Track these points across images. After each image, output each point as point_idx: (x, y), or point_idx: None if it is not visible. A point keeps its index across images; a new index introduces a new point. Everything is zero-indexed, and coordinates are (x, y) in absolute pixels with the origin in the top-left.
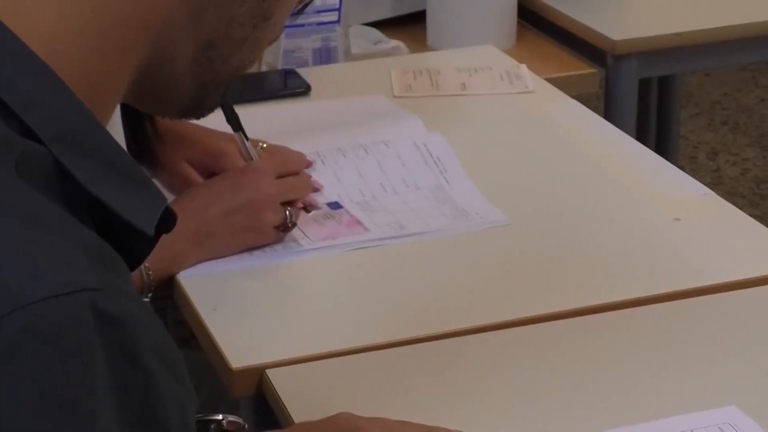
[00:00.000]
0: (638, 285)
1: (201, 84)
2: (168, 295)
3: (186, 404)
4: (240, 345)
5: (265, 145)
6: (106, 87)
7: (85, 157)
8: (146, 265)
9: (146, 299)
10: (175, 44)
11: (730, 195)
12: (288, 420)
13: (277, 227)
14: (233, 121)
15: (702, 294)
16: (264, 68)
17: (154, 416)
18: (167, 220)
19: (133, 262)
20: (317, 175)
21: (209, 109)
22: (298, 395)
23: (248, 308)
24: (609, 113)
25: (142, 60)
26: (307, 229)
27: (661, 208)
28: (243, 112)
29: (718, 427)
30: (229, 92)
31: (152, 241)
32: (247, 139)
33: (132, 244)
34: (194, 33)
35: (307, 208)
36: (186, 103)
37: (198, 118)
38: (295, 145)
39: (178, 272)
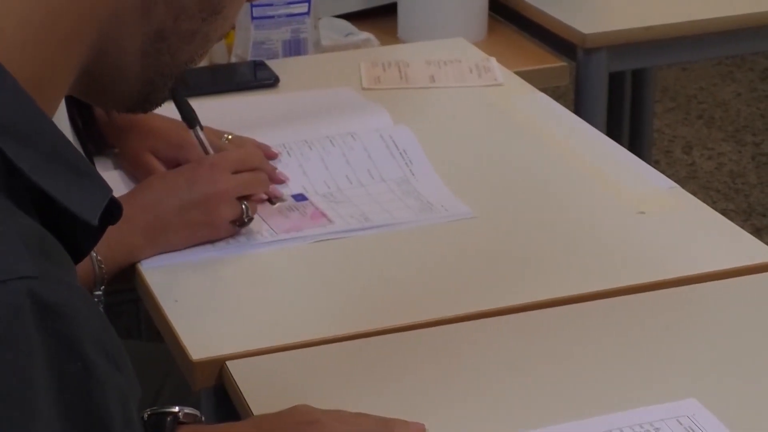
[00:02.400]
0: (600, 278)
1: (149, 77)
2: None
3: (128, 395)
4: (201, 336)
5: (230, 137)
6: (51, 78)
7: (29, 147)
8: (98, 258)
9: (98, 292)
10: (123, 35)
11: (705, 189)
12: (247, 412)
13: (232, 222)
14: (187, 114)
15: (664, 287)
16: (233, 60)
17: (93, 405)
18: (113, 212)
19: (79, 254)
20: (283, 166)
21: (157, 103)
22: (259, 387)
23: (210, 300)
24: (579, 107)
25: (89, 51)
26: (272, 220)
27: (626, 201)
28: (211, 103)
29: (677, 420)
30: (182, 86)
31: (97, 233)
32: (202, 130)
33: (77, 236)
34: (143, 24)
35: (272, 199)
36: (133, 96)
37: (145, 111)
38: (261, 137)
39: (130, 264)
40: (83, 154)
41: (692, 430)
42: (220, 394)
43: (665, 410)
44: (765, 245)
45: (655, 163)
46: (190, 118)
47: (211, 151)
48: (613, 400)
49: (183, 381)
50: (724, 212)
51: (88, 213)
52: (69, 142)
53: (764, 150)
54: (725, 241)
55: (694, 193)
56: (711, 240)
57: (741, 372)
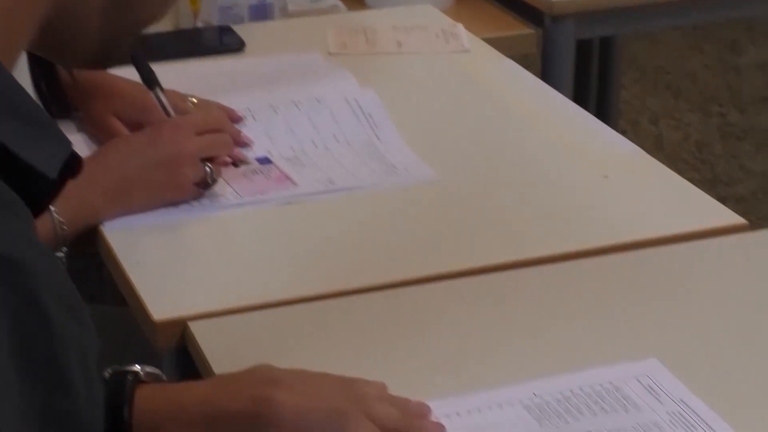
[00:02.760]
0: (564, 240)
1: (109, 35)
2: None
3: (87, 348)
4: (163, 297)
5: (195, 101)
6: (9, 32)
7: None
8: (60, 218)
9: (61, 254)
10: None
11: (672, 159)
12: (209, 372)
13: (197, 184)
14: (146, 75)
15: (628, 249)
16: (199, 24)
17: (51, 357)
18: (73, 166)
19: (38, 209)
20: (248, 130)
21: (118, 62)
22: (221, 348)
23: (173, 261)
24: (546, 74)
25: (49, 4)
26: (236, 183)
27: (591, 165)
28: (177, 67)
29: (638, 379)
30: (142, 47)
31: (56, 186)
32: (162, 91)
33: (35, 190)
34: None
35: (236, 162)
36: (93, 53)
37: (105, 68)
38: (227, 101)
39: (92, 226)
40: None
41: (652, 389)
42: (182, 355)
43: (626, 370)
44: (726, 208)
45: (622, 133)
46: (149, 79)
47: (172, 112)
48: (575, 359)
49: (147, 345)
50: (690, 182)
51: (47, 165)
52: (28, 94)
53: (730, 121)
54: (688, 204)
55: None
56: (674, 203)
57: (701, 333)
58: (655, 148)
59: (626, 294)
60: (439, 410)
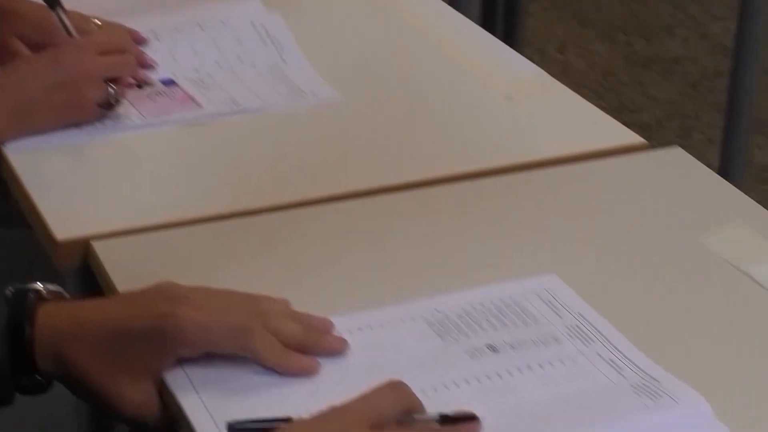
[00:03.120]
0: (468, 160)
1: None
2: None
3: None
4: (66, 217)
5: (98, 22)
6: None
7: None
8: None
9: None
10: None
11: (578, 87)
12: (113, 291)
13: (100, 105)
14: None
15: (529, 168)
16: None
17: None
18: None
19: None
20: (152, 51)
21: None
22: (123, 267)
23: (76, 182)
24: (454, 1)
25: None
26: (140, 104)
27: (494, 87)
28: None
29: (537, 294)
30: None
31: None
32: (64, 11)
33: None
34: None
35: (140, 84)
36: None
37: None
38: (130, 23)
39: None
40: None
41: (551, 303)
42: (86, 274)
43: (526, 285)
44: (627, 129)
45: (515, 51)
46: (51, 0)
47: (74, 32)
48: (477, 276)
49: (52, 267)
50: None
51: None
52: None
53: (636, 49)
54: (589, 125)
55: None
56: (576, 124)
57: (600, 249)
58: (562, 75)
59: (527, 212)
60: (342, 326)
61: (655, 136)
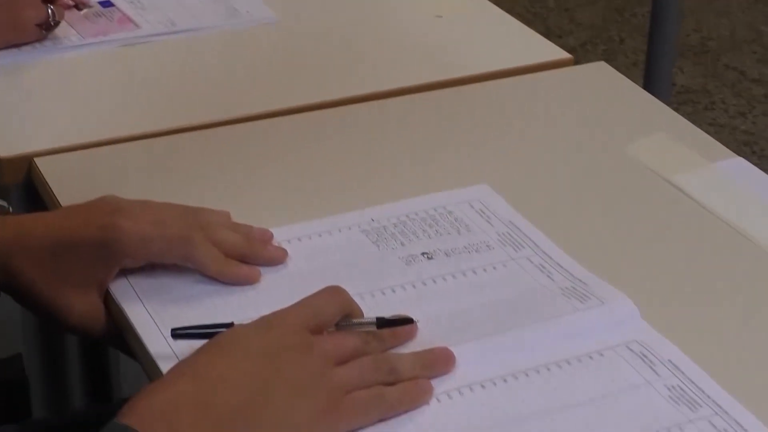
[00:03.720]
0: (401, 76)
1: None
2: None
3: None
4: (8, 135)
5: None
6: None
7: None
8: None
9: None
10: None
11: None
12: (56, 206)
13: (39, 25)
14: None
15: (460, 84)
16: None
17: None
18: None
19: None
20: None
21: None
22: (67, 182)
23: (17, 101)
24: None
25: None
26: (78, 25)
27: (425, 5)
28: None
29: (469, 204)
30: None
31: None
32: None
33: None
34: None
35: (78, 5)
36: None
37: None
38: None
39: None
40: None
41: (483, 212)
42: (29, 191)
43: (458, 195)
44: (554, 44)
45: None
46: None
47: None
48: (411, 187)
49: None
50: None
51: None
52: None
53: None
54: (518, 42)
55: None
56: (505, 41)
57: (528, 159)
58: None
59: (459, 126)
60: (281, 236)
61: (581, 60)
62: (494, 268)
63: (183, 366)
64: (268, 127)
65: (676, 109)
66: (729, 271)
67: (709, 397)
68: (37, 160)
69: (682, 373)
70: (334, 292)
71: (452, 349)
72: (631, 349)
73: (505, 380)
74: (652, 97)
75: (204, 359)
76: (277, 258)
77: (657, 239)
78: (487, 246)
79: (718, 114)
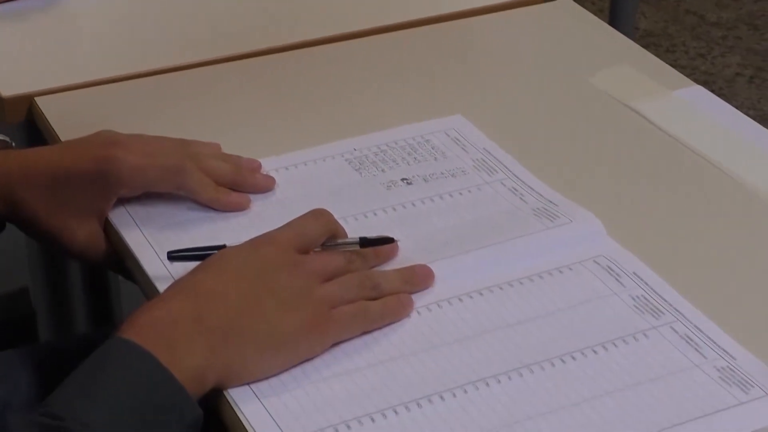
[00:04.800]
0: (381, 15)
1: None
2: None
3: None
4: (10, 76)
5: None
6: None
7: None
8: None
9: None
10: None
11: None
12: (56, 142)
13: None
14: None
15: (436, 22)
16: None
17: None
18: None
19: None
20: None
21: None
22: (67, 120)
23: (19, 44)
24: None
25: None
26: None
27: None
28: None
29: (445, 132)
30: None
31: None
32: None
33: None
34: None
35: None
36: None
37: None
38: None
39: None
40: None
41: (458, 140)
42: (31, 129)
43: (435, 125)
44: None
45: None
46: None
47: None
48: (391, 119)
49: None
50: None
51: None
52: None
53: None
54: None
55: None
56: None
57: (500, 91)
58: None
59: (434, 62)
60: (269, 165)
61: None
62: (469, 191)
63: (178, 285)
64: (257, 65)
65: None
66: (687, 189)
67: (670, 305)
68: (38, 100)
69: (646, 283)
70: (319, 214)
71: (431, 266)
72: (597, 263)
73: (480, 293)
74: (616, 32)
75: (198, 278)
76: (265, 185)
77: (621, 162)
78: (463, 171)
79: (679, 56)
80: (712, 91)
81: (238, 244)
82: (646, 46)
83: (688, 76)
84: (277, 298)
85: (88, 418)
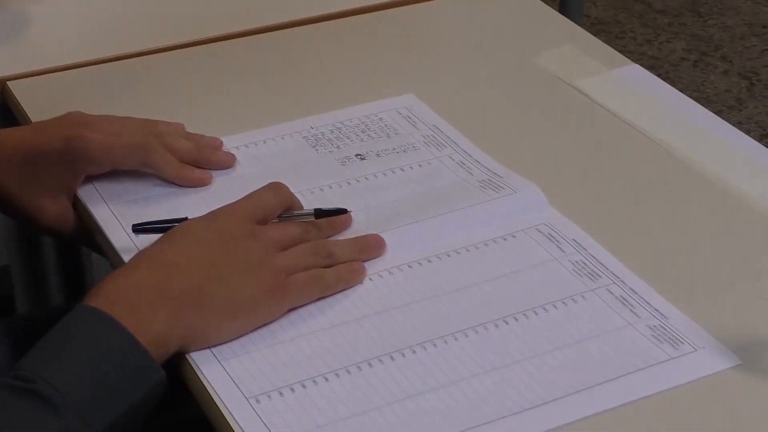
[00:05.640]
0: (334, 1)
1: None
2: None
3: None
4: None
5: None
6: None
7: None
8: None
9: None
10: None
11: None
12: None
13: None
14: None
15: (389, 8)
16: None
17: None
18: None
19: None
20: None
21: None
22: (39, 104)
23: None
24: None
25: None
26: None
27: None
28: None
29: (397, 111)
30: None
31: None
32: None
33: None
34: None
35: None
36: None
37: None
38: None
39: None
40: None
41: (409, 118)
42: (4, 112)
43: (387, 104)
44: None
45: None
46: None
47: None
48: (346, 99)
49: None
50: None
51: None
52: None
53: None
54: None
55: None
56: None
57: (449, 71)
58: None
59: (388, 45)
60: (230, 143)
61: None
62: (420, 165)
63: (142, 255)
64: (218, 50)
65: None
66: (625, 162)
67: (607, 269)
68: (10, 84)
69: (585, 249)
70: (276, 187)
71: (383, 235)
72: (539, 231)
73: (429, 261)
74: (560, 15)
75: (160, 248)
76: (226, 162)
77: (563, 136)
78: (414, 147)
79: (628, 42)
80: (659, 74)
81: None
82: (596, 33)
83: (636, 60)
84: (236, 265)
85: (57, 380)
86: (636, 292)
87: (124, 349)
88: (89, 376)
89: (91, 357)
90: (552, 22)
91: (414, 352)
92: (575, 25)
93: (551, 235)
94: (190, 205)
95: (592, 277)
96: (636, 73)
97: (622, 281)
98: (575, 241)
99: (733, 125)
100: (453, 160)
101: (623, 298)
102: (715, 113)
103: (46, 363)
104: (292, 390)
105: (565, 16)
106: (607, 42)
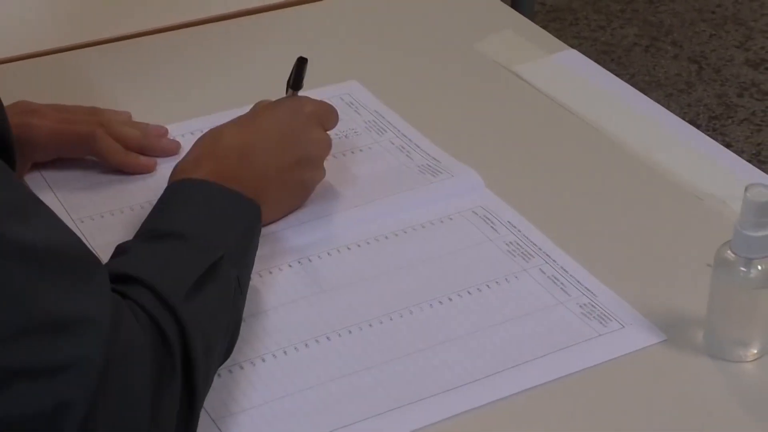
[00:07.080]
0: None
1: None
2: None
3: None
4: None
5: None
6: None
7: None
8: None
9: None
10: None
11: None
12: None
13: None
14: None
15: (313, 2)
16: None
17: None
18: None
19: None
20: None
21: None
22: None
23: None
24: None
25: None
26: None
27: None
28: None
29: (340, 97)
30: None
31: None
32: None
33: None
34: None
35: None
36: None
37: None
38: None
39: None
40: None
41: (351, 103)
42: None
43: (331, 90)
44: None
45: None
46: None
47: None
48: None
49: None
50: None
51: None
52: None
53: None
54: None
55: None
56: None
57: (391, 58)
58: None
59: (332, 32)
60: (176, 131)
61: None
62: (360, 150)
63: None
64: (162, 41)
65: (546, 27)
66: (561, 145)
67: (540, 249)
68: None
69: (519, 231)
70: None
71: (326, 218)
72: (476, 213)
73: (368, 242)
74: (501, 3)
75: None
76: (171, 149)
77: (500, 121)
78: (355, 132)
79: (582, 28)
80: (612, 59)
81: (145, 204)
82: (552, 21)
83: (589, 46)
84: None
85: (182, 228)
86: (567, 271)
87: (219, 195)
88: (203, 222)
89: (198, 207)
90: (495, 9)
91: (350, 332)
92: (512, 10)
93: (486, 218)
94: (135, 191)
95: (525, 257)
96: (573, 58)
97: (553, 260)
98: (510, 222)
99: (683, 108)
100: (393, 144)
101: (554, 277)
102: (665, 96)
103: (166, 217)
104: (230, 371)
105: (520, 3)
106: (562, 29)
